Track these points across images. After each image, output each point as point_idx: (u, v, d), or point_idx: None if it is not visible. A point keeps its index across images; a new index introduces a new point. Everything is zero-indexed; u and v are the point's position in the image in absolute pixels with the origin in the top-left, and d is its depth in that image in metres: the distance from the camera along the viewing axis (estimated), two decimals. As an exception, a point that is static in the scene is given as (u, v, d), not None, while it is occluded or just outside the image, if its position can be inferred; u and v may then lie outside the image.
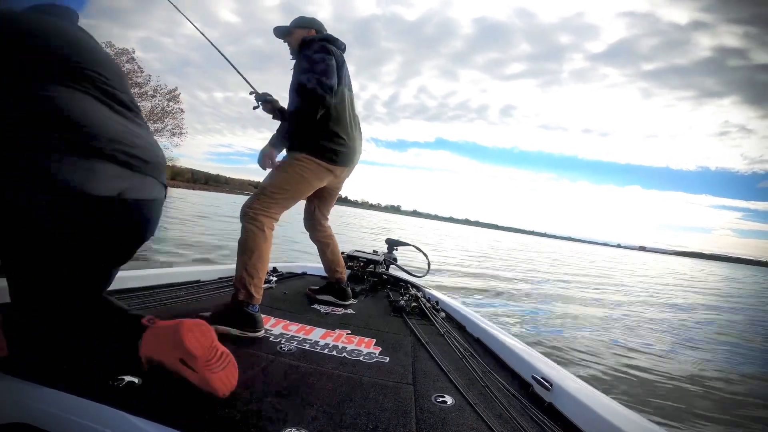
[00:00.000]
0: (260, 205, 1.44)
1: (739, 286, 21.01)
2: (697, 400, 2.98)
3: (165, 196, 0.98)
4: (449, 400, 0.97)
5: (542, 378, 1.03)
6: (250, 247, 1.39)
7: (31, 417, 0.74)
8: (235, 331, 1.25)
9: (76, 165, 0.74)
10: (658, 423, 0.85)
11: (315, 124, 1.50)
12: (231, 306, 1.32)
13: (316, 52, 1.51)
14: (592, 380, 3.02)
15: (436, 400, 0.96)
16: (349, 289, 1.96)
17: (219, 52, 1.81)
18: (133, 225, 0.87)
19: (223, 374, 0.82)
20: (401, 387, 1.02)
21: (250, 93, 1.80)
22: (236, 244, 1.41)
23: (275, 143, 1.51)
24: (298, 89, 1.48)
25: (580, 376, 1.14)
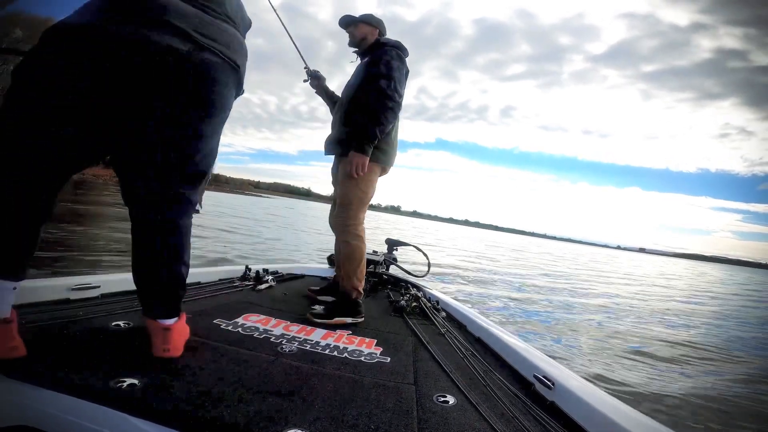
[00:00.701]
0: (355, 218, 1.68)
1: (724, 285, 21.43)
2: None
3: (234, 79, 1.00)
4: (451, 399, 0.97)
5: (544, 377, 1.03)
6: (358, 258, 1.68)
7: (32, 419, 0.74)
8: (350, 320, 1.57)
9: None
10: (661, 421, 0.85)
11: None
12: (344, 302, 1.63)
13: (394, 60, 1.63)
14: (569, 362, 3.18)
15: (437, 399, 0.96)
16: None
17: (285, 28, 1.91)
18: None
19: None
20: (403, 387, 1.02)
21: (304, 68, 2.01)
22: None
23: (366, 150, 1.59)
24: (378, 93, 1.57)
25: (582, 375, 1.15)
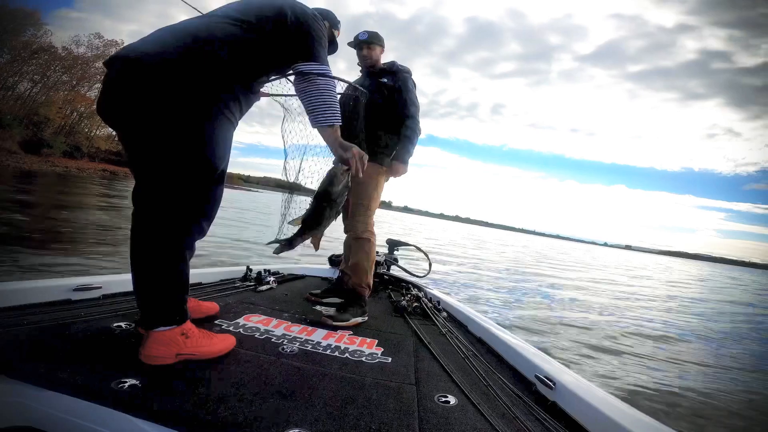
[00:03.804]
0: (371, 218, 1.80)
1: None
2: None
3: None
4: (452, 400, 0.97)
5: (545, 377, 1.03)
6: (372, 258, 1.79)
7: (35, 420, 0.74)
8: (360, 319, 1.60)
9: None
10: (661, 420, 0.85)
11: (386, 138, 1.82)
12: (355, 300, 1.68)
13: (414, 88, 1.88)
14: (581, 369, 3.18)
15: (439, 400, 0.96)
16: None
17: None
18: None
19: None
20: (404, 387, 1.02)
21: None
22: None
23: (407, 161, 1.86)
24: (413, 122, 1.82)
25: (583, 375, 1.15)
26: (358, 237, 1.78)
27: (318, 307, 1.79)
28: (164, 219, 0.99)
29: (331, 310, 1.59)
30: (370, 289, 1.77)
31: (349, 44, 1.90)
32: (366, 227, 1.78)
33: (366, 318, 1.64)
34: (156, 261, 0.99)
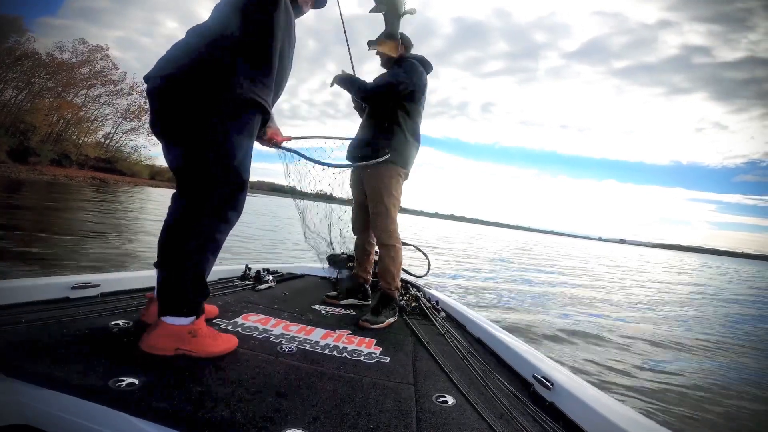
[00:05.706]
0: (395, 222, 1.81)
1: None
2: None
3: None
4: (450, 400, 0.97)
5: (543, 377, 1.03)
6: (398, 262, 1.82)
7: (32, 418, 0.74)
8: (393, 319, 1.66)
9: None
10: (659, 421, 0.85)
11: (402, 136, 1.79)
12: (388, 302, 1.72)
13: (409, 70, 1.80)
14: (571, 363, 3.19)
15: (437, 400, 0.96)
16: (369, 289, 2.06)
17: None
18: None
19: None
20: (402, 387, 1.02)
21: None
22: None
23: (342, 80, 1.83)
24: (373, 87, 1.78)
25: (581, 376, 1.15)
26: (383, 244, 1.80)
27: (316, 306, 1.79)
28: (195, 210, 1.05)
29: (367, 315, 1.62)
30: (398, 290, 1.83)
31: (369, 45, 1.91)
32: (389, 235, 1.78)
33: (396, 317, 1.71)
34: (182, 248, 1.05)
